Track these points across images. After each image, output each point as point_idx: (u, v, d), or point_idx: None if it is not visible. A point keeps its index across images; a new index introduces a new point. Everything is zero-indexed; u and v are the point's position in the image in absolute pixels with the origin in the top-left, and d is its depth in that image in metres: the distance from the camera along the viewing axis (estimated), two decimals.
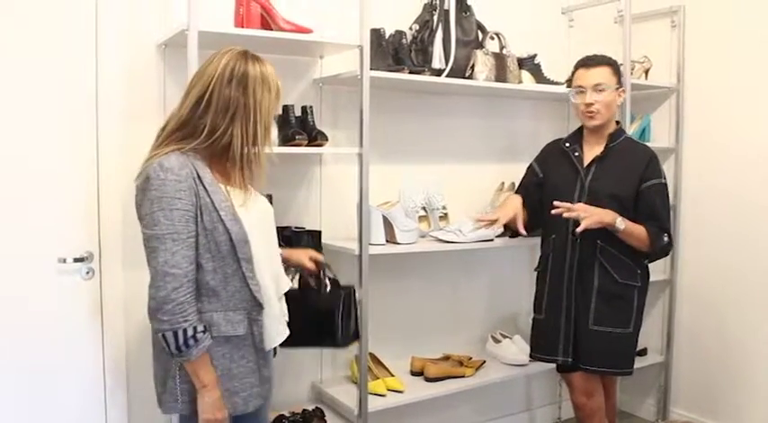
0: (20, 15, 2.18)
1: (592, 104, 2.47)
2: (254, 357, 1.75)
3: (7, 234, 2.20)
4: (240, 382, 1.73)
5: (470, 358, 2.96)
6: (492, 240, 2.84)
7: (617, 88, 2.49)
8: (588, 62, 2.53)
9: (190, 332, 1.61)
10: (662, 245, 2.44)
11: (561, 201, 2.43)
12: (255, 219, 1.76)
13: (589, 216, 2.34)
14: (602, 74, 2.48)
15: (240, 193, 1.75)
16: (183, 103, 1.71)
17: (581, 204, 2.39)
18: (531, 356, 2.71)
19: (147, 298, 1.62)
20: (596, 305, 2.45)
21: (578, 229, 2.36)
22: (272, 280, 1.81)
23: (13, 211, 2.21)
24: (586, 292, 2.47)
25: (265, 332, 1.78)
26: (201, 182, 1.66)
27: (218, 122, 1.67)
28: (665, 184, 2.50)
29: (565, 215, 2.38)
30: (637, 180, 2.44)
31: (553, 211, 2.39)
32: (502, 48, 2.93)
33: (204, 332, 1.64)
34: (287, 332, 1.88)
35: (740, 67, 3.18)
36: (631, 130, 3.31)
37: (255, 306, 1.74)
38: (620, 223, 2.37)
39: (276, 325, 1.82)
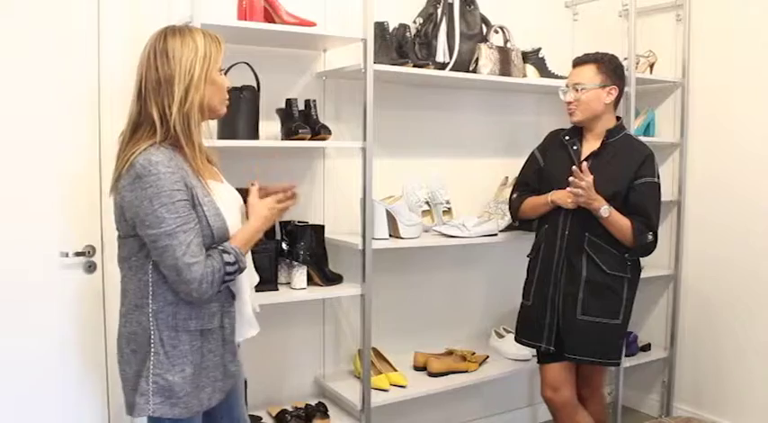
0: (21, 10, 2.17)
1: (570, 103, 2.52)
2: (220, 351, 1.74)
3: (10, 228, 2.20)
4: (207, 376, 1.72)
5: (473, 353, 2.95)
6: (496, 235, 2.84)
7: (603, 86, 2.48)
8: (576, 60, 2.58)
9: (231, 269, 1.65)
10: (645, 242, 2.44)
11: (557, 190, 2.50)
12: (230, 210, 1.75)
13: (584, 195, 2.39)
14: (583, 73, 2.51)
15: (215, 184, 1.74)
16: (131, 104, 1.70)
17: (589, 183, 2.39)
18: (516, 340, 2.71)
19: (182, 294, 1.61)
20: (584, 295, 2.47)
21: (569, 201, 2.44)
22: (246, 273, 1.79)
23: (15, 204, 2.20)
24: (574, 282, 2.48)
25: (237, 324, 1.78)
26: (186, 174, 1.64)
27: (162, 102, 1.63)
28: (658, 184, 2.50)
29: (570, 186, 2.40)
30: (630, 177, 2.46)
31: (570, 179, 2.40)
32: (506, 41, 2.92)
33: (234, 263, 1.66)
34: (257, 328, 1.87)
35: (746, 62, 3.16)
36: (636, 124, 3.30)
37: (228, 298, 1.75)
38: (605, 211, 2.40)
39: (248, 318, 1.82)
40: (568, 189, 2.41)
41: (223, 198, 1.74)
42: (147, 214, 1.57)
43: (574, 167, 2.39)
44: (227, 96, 1.78)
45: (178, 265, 1.57)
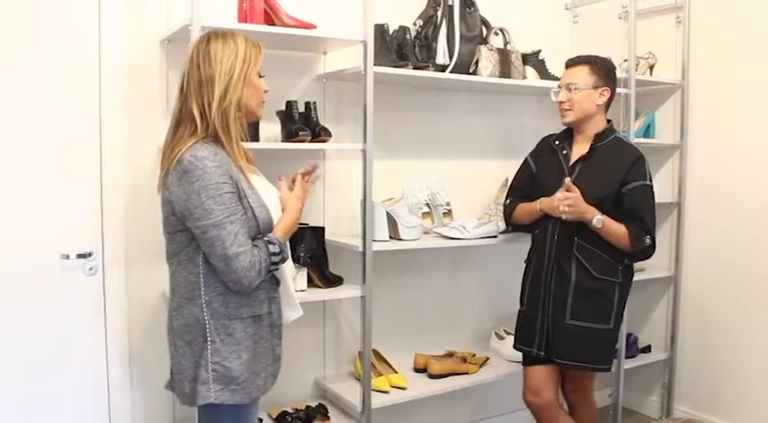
0: (22, 11, 2.17)
1: (562, 102, 2.51)
2: (269, 336, 1.83)
3: (11, 230, 2.20)
4: (260, 362, 1.79)
5: (474, 355, 2.96)
6: (496, 237, 2.83)
7: (596, 87, 2.48)
8: (569, 62, 2.58)
9: (276, 259, 1.72)
10: (643, 246, 2.44)
11: (546, 196, 2.49)
12: (272, 202, 1.82)
13: (572, 211, 2.38)
14: (576, 73, 2.51)
15: (256, 178, 1.81)
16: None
17: (575, 196, 2.37)
18: (513, 346, 2.71)
19: (230, 283, 1.68)
20: (573, 300, 2.46)
21: (564, 217, 2.41)
22: (287, 261, 1.87)
23: (16, 207, 2.21)
24: (564, 287, 2.48)
25: (282, 308, 1.87)
26: (230, 168, 1.71)
27: (201, 100, 1.70)
28: (650, 187, 2.48)
29: (558, 191, 2.41)
30: (619, 181, 2.44)
31: (555, 206, 2.40)
32: (506, 43, 2.92)
33: (279, 252, 1.73)
34: (301, 312, 1.95)
35: (745, 63, 3.17)
36: (636, 126, 3.30)
37: (273, 284, 1.83)
38: (597, 222, 2.38)
39: (291, 302, 1.90)
40: (558, 212, 2.39)
41: (265, 191, 1.82)
42: (196, 207, 1.64)
43: (557, 195, 2.39)
44: (263, 99, 1.85)
45: (227, 254, 1.64)
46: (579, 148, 2.55)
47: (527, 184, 2.69)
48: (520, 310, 2.68)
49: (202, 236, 1.66)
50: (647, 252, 2.47)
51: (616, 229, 2.41)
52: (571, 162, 2.53)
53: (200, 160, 1.64)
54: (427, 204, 2.89)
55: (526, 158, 2.74)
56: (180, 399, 1.80)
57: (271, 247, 1.72)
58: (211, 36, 1.76)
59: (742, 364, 3.21)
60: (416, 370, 2.85)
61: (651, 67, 3.40)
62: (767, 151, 3.09)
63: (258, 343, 1.78)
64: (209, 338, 1.72)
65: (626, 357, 3.26)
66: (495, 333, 3.19)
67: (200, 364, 1.72)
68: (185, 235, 1.72)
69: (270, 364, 1.84)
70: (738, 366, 3.23)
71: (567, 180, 2.39)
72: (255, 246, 1.70)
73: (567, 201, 2.37)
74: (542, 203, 2.51)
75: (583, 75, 2.49)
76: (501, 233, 2.87)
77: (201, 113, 1.70)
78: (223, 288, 1.72)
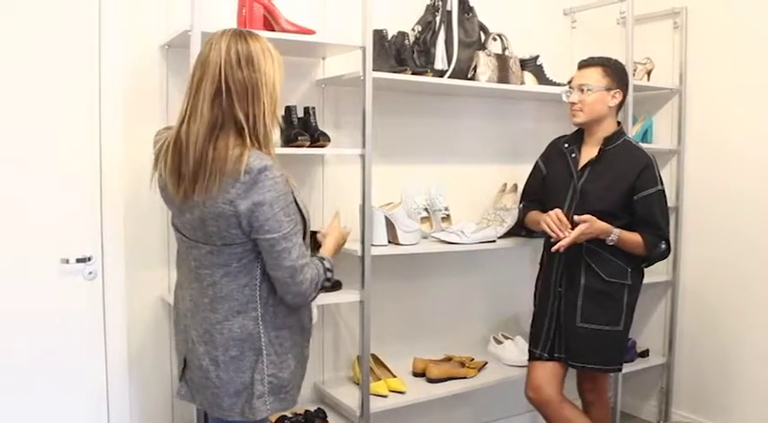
0: (23, 16, 2.18)
1: (574, 103, 2.52)
2: (301, 339, 1.82)
3: (10, 234, 2.20)
4: (302, 367, 1.82)
5: (472, 359, 2.96)
6: (494, 241, 2.84)
7: (609, 89, 2.50)
8: (581, 63, 2.59)
9: (329, 275, 1.77)
10: (659, 252, 2.48)
11: (554, 199, 2.53)
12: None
13: (585, 235, 2.39)
14: (589, 74, 2.52)
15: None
16: (197, 100, 1.62)
17: (577, 232, 2.38)
18: (528, 351, 2.71)
19: (290, 296, 1.68)
20: (583, 303, 2.48)
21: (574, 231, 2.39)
22: None
23: (15, 211, 2.21)
24: (574, 290, 2.50)
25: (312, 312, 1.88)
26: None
27: (247, 109, 1.62)
28: (662, 191, 2.50)
29: (567, 199, 2.46)
30: (627, 187, 2.45)
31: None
32: (504, 49, 2.93)
33: (331, 269, 1.78)
34: (317, 316, 1.96)
35: (743, 69, 3.18)
36: (633, 131, 3.31)
37: None
38: (611, 240, 2.41)
39: (314, 305, 1.91)
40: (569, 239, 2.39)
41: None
42: (267, 219, 1.60)
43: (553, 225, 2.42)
44: None
45: (295, 266, 1.64)
46: (589, 151, 2.56)
47: (538, 188, 2.71)
48: (533, 312, 2.71)
49: (270, 248, 1.63)
50: (664, 255, 2.53)
51: (632, 241, 2.44)
52: (580, 165, 2.54)
53: (270, 169, 1.59)
54: (426, 209, 2.90)
55: (537, 162, 2.76)
56: (214, 410, 1.73)
57: (325, 263, 1.77)
58: (246, 36, 1.66)
59: (740, 367, 3.22)
60: (415, 374, 2.85)
61: (649, 73, 3.41)
62: (764, 155, 3.10)
63: (301, 348, 1.81)
64: (264, 352, 1.70)
65: (624, 362, 3.25)
66: (494, 337, 3.20)
67: (254, 379, 1.69)
68: (240, 247, 1.66)
69: (301, 370, 1.85)
70: (737, 370, 3.23)
71: (577, 217, 2.38)
72: (311, 260, 1.72)
73: (583, 237, 2.38)
74: (544, 220, 2.46)
75: (596, 76, 2.50)
76: (500, 237, 2.88)
77: (247, 122, 1.61)
78: (274, 300, 1.71)
